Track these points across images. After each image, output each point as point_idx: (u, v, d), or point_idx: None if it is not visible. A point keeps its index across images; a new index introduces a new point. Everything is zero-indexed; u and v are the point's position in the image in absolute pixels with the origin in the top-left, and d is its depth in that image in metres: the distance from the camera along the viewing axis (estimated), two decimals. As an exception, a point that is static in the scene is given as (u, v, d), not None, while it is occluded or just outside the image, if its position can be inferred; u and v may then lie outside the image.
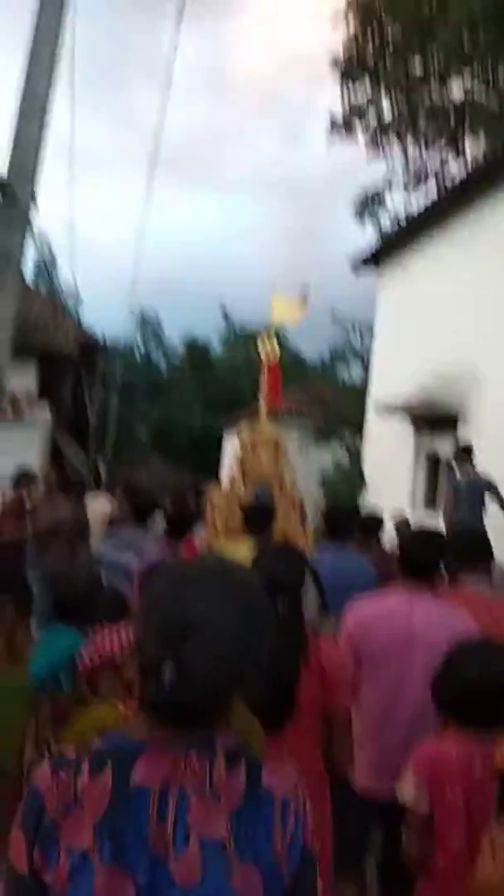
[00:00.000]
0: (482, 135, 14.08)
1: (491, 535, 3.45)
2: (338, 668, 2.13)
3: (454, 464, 7.58)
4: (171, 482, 19.70)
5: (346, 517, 4.27)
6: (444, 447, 9.30)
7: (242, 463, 6.87)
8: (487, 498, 7.20)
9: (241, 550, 3.43)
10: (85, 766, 1.06)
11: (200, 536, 5.95)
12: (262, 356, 7.46)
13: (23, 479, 6.86)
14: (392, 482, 10.56)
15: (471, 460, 7.51)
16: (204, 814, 1.04)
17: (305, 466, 14.60)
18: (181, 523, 4.71)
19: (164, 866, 1.02)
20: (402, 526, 7.44)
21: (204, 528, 6.49)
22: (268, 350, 7.39)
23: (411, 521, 7.98)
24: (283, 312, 7.74)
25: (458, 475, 7.43)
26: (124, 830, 1.02)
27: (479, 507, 7.09)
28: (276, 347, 7.38)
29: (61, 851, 1.02)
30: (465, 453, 7.61)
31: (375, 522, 5.39)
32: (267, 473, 6.73)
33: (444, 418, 9.57)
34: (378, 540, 5.32)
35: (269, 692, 1.54)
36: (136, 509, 4.56)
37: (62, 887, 1.01)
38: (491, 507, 7.16)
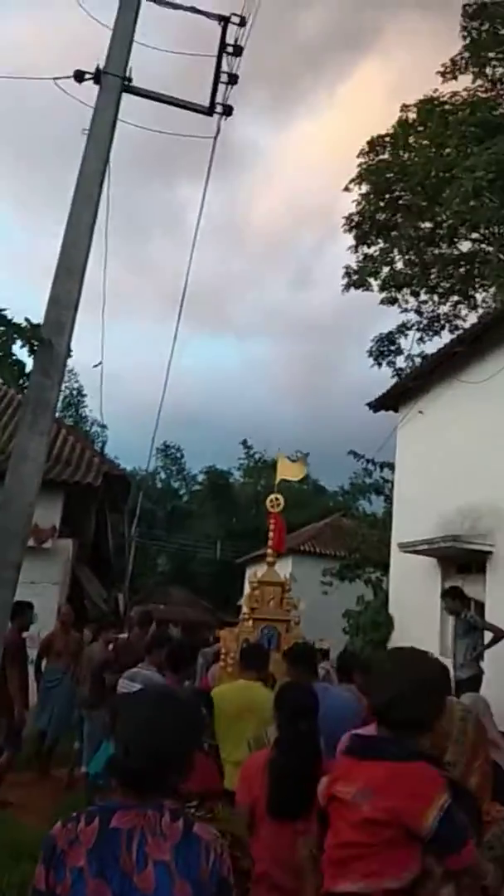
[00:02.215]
0: (493, 287, 14.91)
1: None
2: None
3: (446, 606, 8.03)
4: (190, 617, 19.40)
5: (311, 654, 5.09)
6: (475, 589, 9.15)
7: (251, 605, 7.47)
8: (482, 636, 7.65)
9: (255, 688, 4.08)
10: (83, 819, 1.72)
11: (213, 673, 6.52)
12: (269, 506, 8.25)
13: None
14: (420, 622, 10.30)
15: (460, 602, 7.77)
16: (155, 846, 1.67)
17: (327, 605, 14.37)
18: (179, 660, 4.98)
19: (130, 879, 1.63)
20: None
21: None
22: (273, 502, 8.17)
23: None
24: (287, 471, 8.91)
25: (466, 616, 7.78)
26: (105, 855, 1.65)
27: (471, 648, 7.52)
28: (281, 501, 8.16)
29: (66, 871, 1.65)
30: (449, 595, 7.90)
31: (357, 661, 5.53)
32: (273, 616, 7.34)
33: (471, 559, 9.49)
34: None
35: (292, 788, 2.32)
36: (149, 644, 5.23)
37: (67, 893, 1.64)
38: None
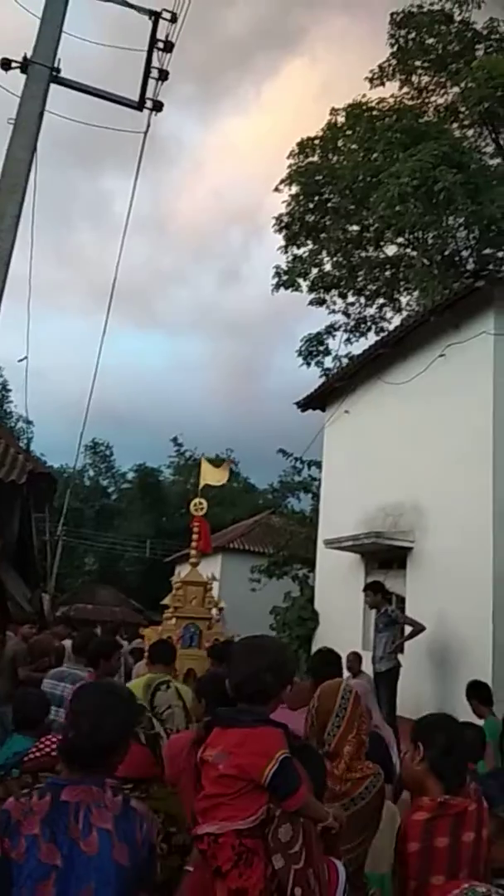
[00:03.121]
0: (416, 290, 15.36)
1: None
2: None
3: (367, 600, 8.32)
4: (118, 616, 19.18)
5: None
6: (396, 583, 9.43)
7: (175, 603, 7.90)
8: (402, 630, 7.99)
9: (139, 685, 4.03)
10: (35, 794, 2.02)
11: (136, 670, 6.71)
12: (192, 510, 8.67)
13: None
14: (344, 617, 10.54)
15: (381, 596, 8.05)
16: (99, 816, 1.98)
17: (256, 601, 14.51)
18: (97, 658, 5.29)
19: (77, 844, 1.93)
20: (352, 660, 7.47)
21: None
22: (196, 506, 8.61)
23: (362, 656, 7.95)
24: (210, 475, 9.29)
25: (387, 611, 8.09)
26: (56, 824, 1.94)
27: (390, 641, 7.83)
28: (204, 504, 8.63)
29: (21, 838, 1.92)
30: (371, 590, 8.16)
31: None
32: (196, 614, 7.76)
33: (393, 555, 9.77)
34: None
35: None
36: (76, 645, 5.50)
37: (22, 857, 1.91)
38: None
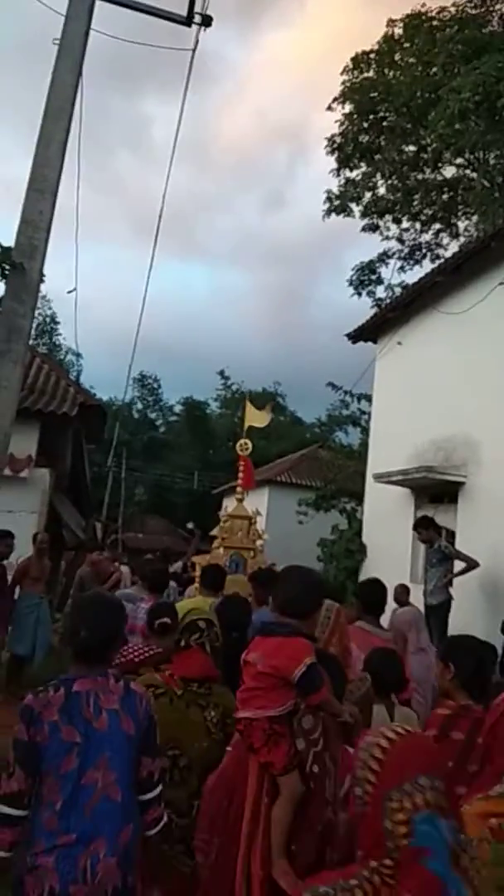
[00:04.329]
0: (476, 215, 14.64)
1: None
2: None
3: (420, 536, 8.25)
4: (168, 545, 19.65)
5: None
6: (447, 518, 9.36)
7: (222, 535, 8.59)
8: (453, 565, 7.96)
9: (201, 603, 4.66)
10: (51, 689, 2.42)
11: (188, 592, 7.42)
12: (238, 450, 9.35)
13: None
14: (392, 551, 10.56)
15: (431, 530, 7.98)
16: (106, 700, 2.43)
17: (302, 533, 14.63)
18: (154, 583, 5.82)
19: (91, 723, 2.38)
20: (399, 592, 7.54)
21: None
22: (242, 446, 9.26)
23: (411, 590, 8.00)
24: (254, 418, 9.84)
25: (439, 546, 8.03)
26: (72, 710, 2.37)
27: (442, 576, 7.86)
28: (249, 445, 9.29)
29: (44, 724, 2.34)
30: (422, 525, 8.06)
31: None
32: (241, 545, 8.46)
33: (444, 489, 9.67)
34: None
35: (226, 671, 3.33)
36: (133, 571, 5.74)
37: (46, 739, 2.33)
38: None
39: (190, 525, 14.39)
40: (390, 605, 7.25)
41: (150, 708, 2.55)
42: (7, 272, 5.77)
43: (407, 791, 1.62)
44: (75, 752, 2.33)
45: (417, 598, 7.88)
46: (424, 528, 8.12)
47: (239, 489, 9.20)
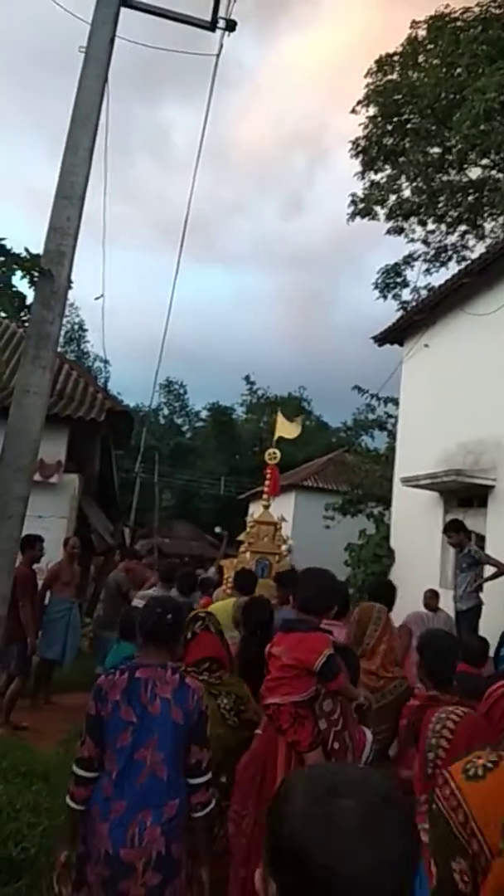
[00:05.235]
0: (502, 216, 14.49)
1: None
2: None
3: (450, 541, 8.13)
4: (195, 550, 19.73)
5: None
6: (476, 522, 9.25)
7: (249, 540, 8.97)
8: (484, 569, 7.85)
9: (227, 604, 5.33)
10: (118, 673, 2.78)
11: (216, 594, 7.78)
12: (267, 458, 9.79)
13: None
14: (421, 555, 10.45)
15: (461, 534, 7.85)
16: (162, 689, 2.73)
17: (329, 538, 14.55)
18: (184, 585, 6.82)
19: (146, 707, 2.70)
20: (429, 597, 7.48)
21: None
22: (271, 455, 9.69)
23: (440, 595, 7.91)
24: (285, 429, 10.26)
25: (469, 550, 7.91)
26: (132, 693, 2.71)
27: (472, 581, 7.76)
28: (277, 455, 9.73)
29: (109, 702, 2.70)
30: (452, 529, 7.95)
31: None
32: (266, 550, 8.83)
33: (473, 493, 9.55)
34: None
35: (251, 665, 3.71)
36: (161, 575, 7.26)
37: (109, 715, 2.69)
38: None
39: (218, 529, 14.64)
40: (413, 607, 7.23)
41: (202, 702, 2.82)
42: (36, 279, 5.82)
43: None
44: (130, 731, 2.69)
45: (447, 603, 7.78)
46: (454, 531, 8.02)
47: (265, 496, 9.63)
